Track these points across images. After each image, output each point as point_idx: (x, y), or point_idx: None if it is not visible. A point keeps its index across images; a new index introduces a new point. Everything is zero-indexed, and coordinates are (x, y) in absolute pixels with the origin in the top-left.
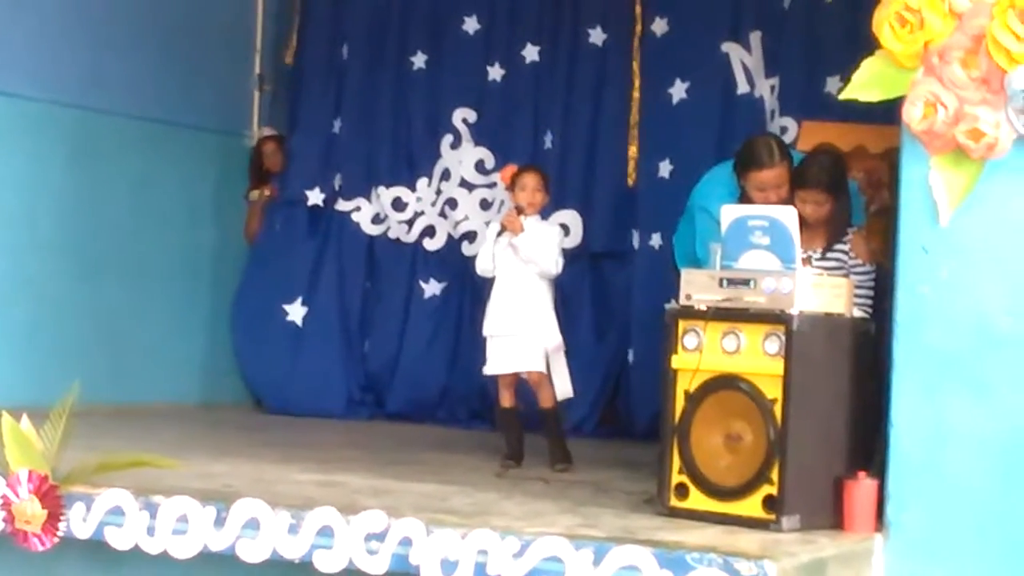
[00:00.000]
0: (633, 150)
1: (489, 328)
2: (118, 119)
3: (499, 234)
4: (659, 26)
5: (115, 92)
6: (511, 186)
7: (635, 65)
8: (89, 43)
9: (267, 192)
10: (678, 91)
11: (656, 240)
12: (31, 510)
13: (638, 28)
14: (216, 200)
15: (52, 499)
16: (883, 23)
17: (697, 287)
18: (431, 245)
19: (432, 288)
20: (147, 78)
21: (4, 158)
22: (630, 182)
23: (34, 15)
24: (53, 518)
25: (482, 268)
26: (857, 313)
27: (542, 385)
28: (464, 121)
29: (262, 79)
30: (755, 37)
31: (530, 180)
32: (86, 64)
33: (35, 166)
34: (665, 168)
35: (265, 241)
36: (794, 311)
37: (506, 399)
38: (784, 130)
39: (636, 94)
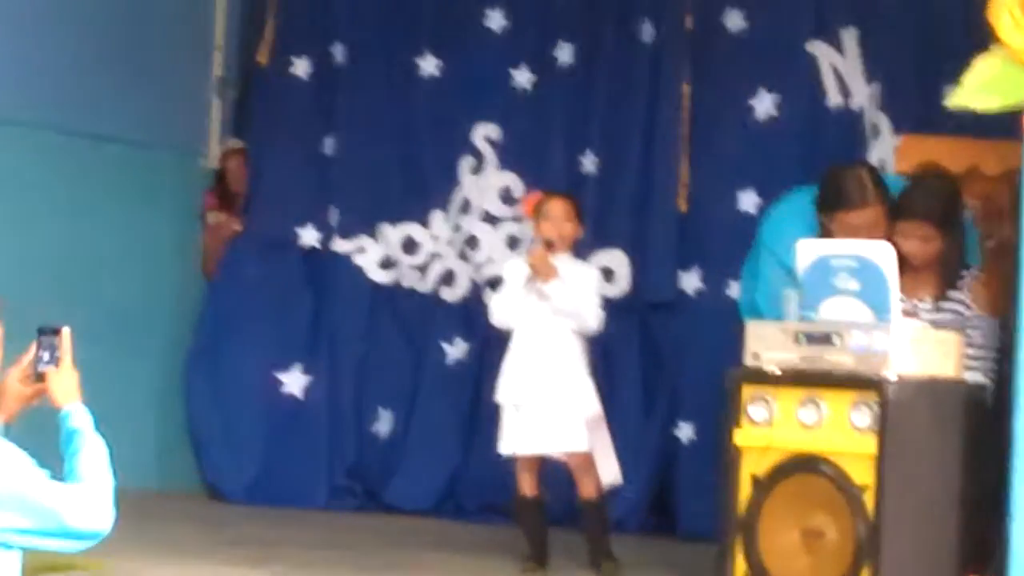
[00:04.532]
0: (684, 172)
1: (507, 395)
2: (42, 134)
3: (530, 279)
4: (734, 20)
5: (37, 102)
6: (535, 216)
7: (683, 66)
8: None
9: (233, 223)
10: (764, 105)
11: (732, 288)
12: None
13: (688, 20)
14: (165, 234)
15: None
16: (1002, 12)
17: (767, 344)
18: (450, 295)
19: (454, 351)
20: (77, 83)
21: None
22: (682, 209)
23: None
24: None
25: (500, 318)
26: (971, 377)
27: (586, 470)
28: (487, 140)
29: (224, 83)
30: (849, 35)
31: (557, 207)
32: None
33: None
34: (749, 200)
35: (230, 287)
36: (890, 374)
37: (527, 486)
38: (879, 130)
39: (686, 102)
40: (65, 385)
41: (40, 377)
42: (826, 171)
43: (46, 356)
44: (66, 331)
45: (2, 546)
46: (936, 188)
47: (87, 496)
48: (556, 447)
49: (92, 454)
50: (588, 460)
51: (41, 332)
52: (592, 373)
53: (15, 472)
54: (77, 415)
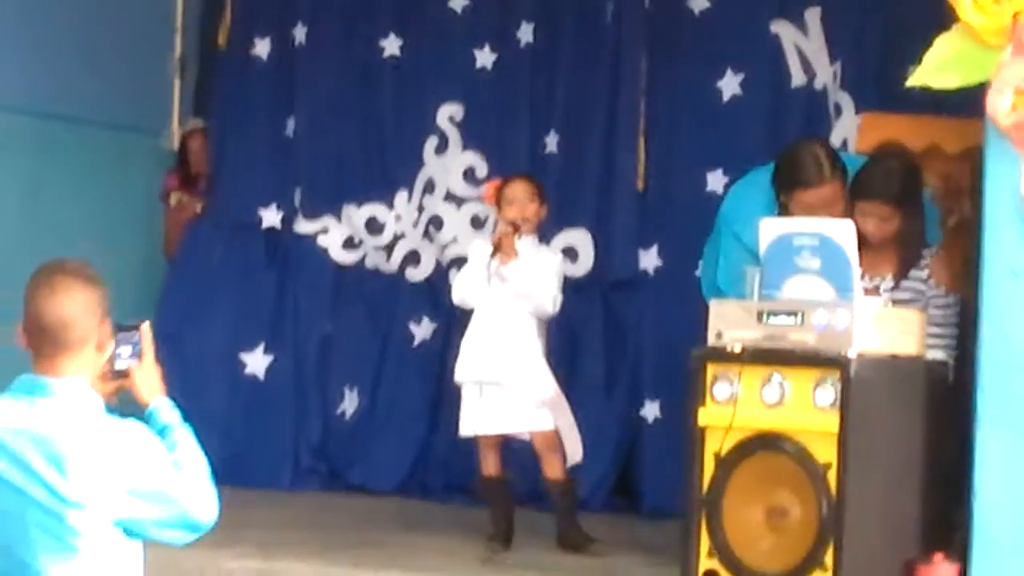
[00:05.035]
0: (642, 151)
1: (464, 374)
2: (2, 115)
3: (492, 256)
4: (697, 0)
5: None
6: (497, 202)
7: (643, 46)
8: None
9: (195, 204)
10: (730, 85)
11: (699, 267)
12: None
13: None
14: (126, 215)
15: None
16: None
17: (729, 322)
18: (415, 275)
19: (420, 331)
20: (36, 63)
21: None
22: (640, 188)
23: None
24: None
25: (462, 296)
26: (933, 355)
27: (552, 449)
28: (451, 120)
29: (184, 64)
30: (812, 14)
31: (518, 190)
32: None
33: None
34: (716, 180)
35: (192, 268)
36: (852, 352)
37: (490, 466)
38: (841, 109)
39: (646, 82)
40: (150, 380)
41: (121, 374)
42: (781, 150)
43: (126, 352)
44: (146, 326)
45: (134, 536)
46: (894, 167)
47: (203, 489)
48: (519, 426)
49: (190, 448)
50: (553, 439)
51: (119, 328)
52: (547, 356)
53: (159, 465)
54: (165, 410)
